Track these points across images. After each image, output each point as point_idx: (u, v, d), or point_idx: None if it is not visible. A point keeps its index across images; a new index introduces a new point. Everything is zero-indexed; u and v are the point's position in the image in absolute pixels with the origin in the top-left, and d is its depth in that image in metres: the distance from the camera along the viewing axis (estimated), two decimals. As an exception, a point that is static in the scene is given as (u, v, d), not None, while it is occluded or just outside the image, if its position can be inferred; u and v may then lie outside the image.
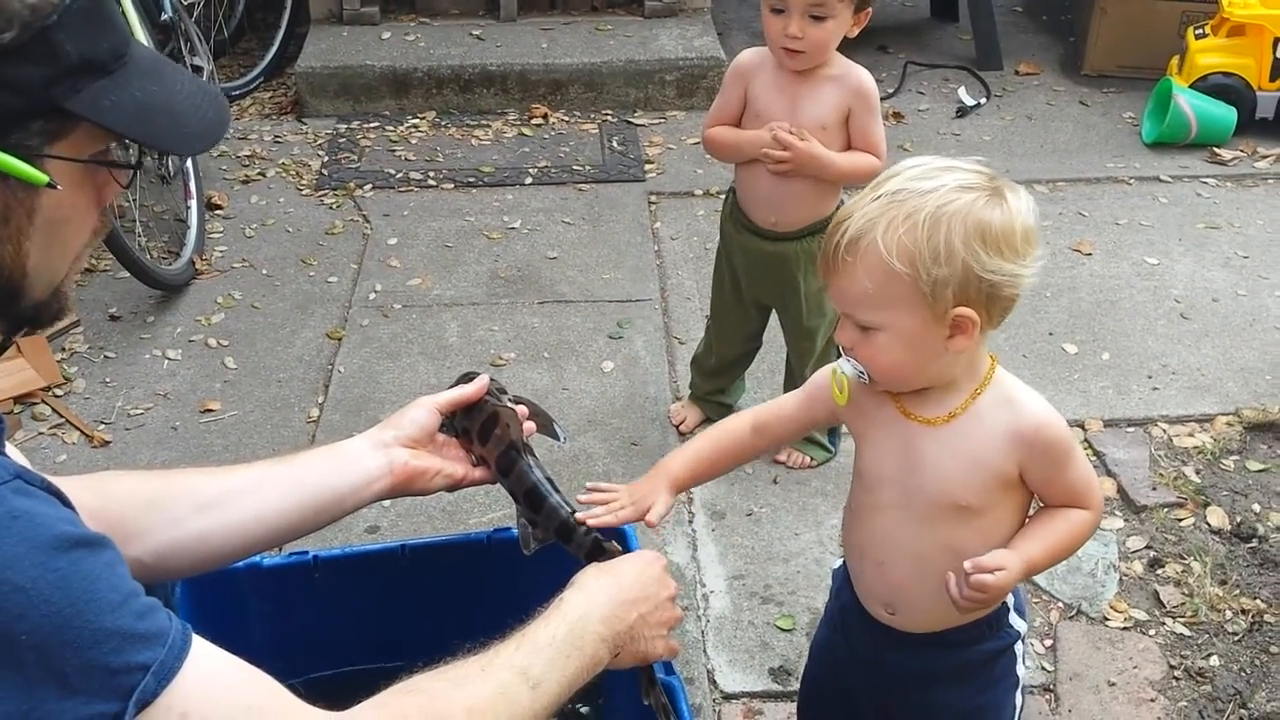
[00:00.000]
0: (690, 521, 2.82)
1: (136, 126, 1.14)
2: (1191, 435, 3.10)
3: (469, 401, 1.68)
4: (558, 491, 1.64)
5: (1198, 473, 2.97)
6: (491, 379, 1.72)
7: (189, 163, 3.84)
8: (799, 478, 2.96)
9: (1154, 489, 2.91)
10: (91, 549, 1.00)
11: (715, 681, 2.43)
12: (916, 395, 1.57)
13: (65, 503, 1.04)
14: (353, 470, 1.56)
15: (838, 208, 2.74)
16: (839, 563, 1.86)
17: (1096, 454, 3.00)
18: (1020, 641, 1.72)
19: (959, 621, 1.65)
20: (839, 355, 2.85)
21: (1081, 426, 3.07)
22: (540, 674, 1.28)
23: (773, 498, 2.91)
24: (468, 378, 1.73)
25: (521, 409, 1.72)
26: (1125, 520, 2.83)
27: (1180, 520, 2.83)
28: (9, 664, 0.94)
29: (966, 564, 1.50)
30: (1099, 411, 3.15)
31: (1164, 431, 3.12)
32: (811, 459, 2.98)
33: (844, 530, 1.78)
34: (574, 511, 1.63)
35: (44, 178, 1.07)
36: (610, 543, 1.62)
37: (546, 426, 1.75)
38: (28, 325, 1.16)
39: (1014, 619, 1.71)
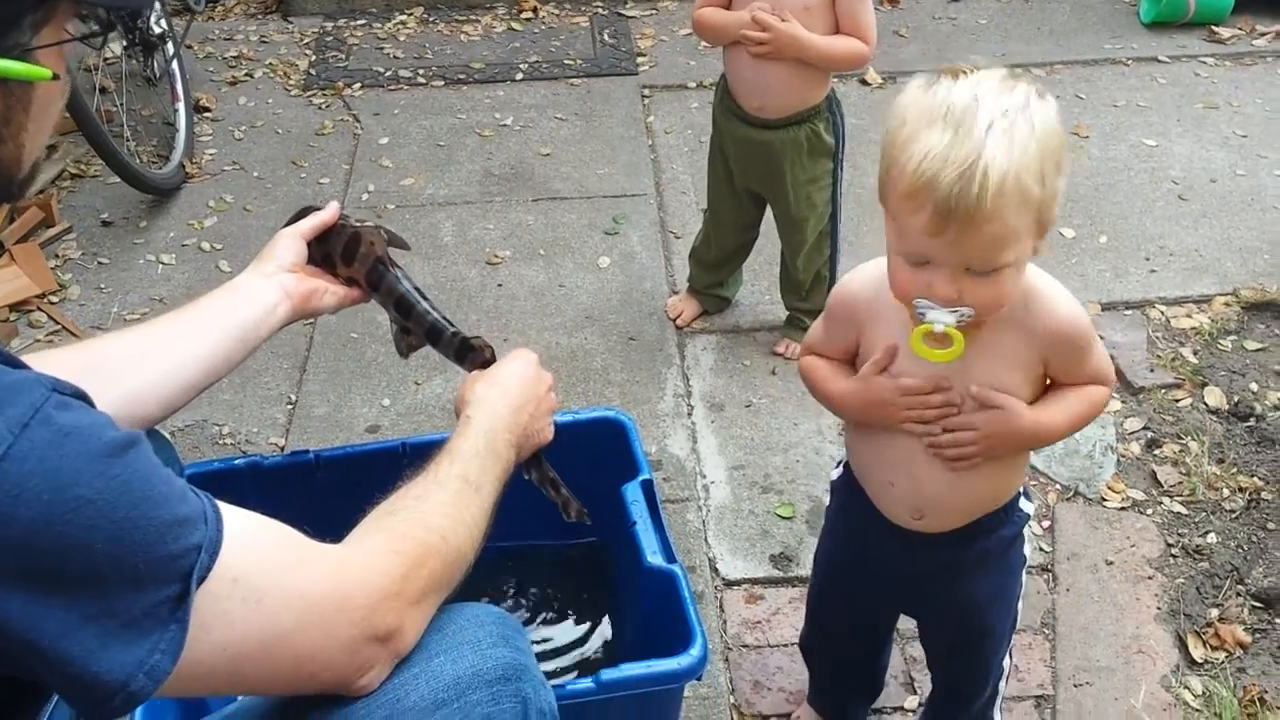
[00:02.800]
0: (690, 414, 2.83)
1: None
2: (1189, 316, 3.10)
3: (328, 225, 1.73)
4: (426, 299, 1.73)
5: (1195, 353, 2.98)
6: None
7: (174, 64, 3.80)
8: (797, 368, 2.96)
9: (1151, 370, 2.92)
10: (136, 447, 1.03)
11: (717, 569, 2.46)
12: None
13: (91, 404, 1.06)
14: (254, 302, 1.63)
15: (828, 96, 2.71)
16: (837, 474, 1.85)
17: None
18: (1028, 523, 1.76)
19: (986, 511, 1.67)
20: (832, 249, 2.88)
21: (1079, 310, 3.07)
22: (478, 479, 1.42)
23: (771, 389, 2.91)
24: (309, 210, 1.76)
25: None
26: (1123, 402, 2.84)
27: (1178, 401, 2.84)
28: (87, 574, 0.98)
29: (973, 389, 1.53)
30: (1096, 295, 3.15)
31: (1161, 313, 3.12)
32: (809, 349, 2.98)
33: (861, 449, 1.74)
34: (442, 316, 1.73)
35: (48, 72, 1.08)
36: (476, 338, 1.71)
37: (395, 239, 1.80)
38: (7, 201, 1.19)
39: (1023, 503, 1.73)
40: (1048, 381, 1.61)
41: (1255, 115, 3.98)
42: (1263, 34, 4.41)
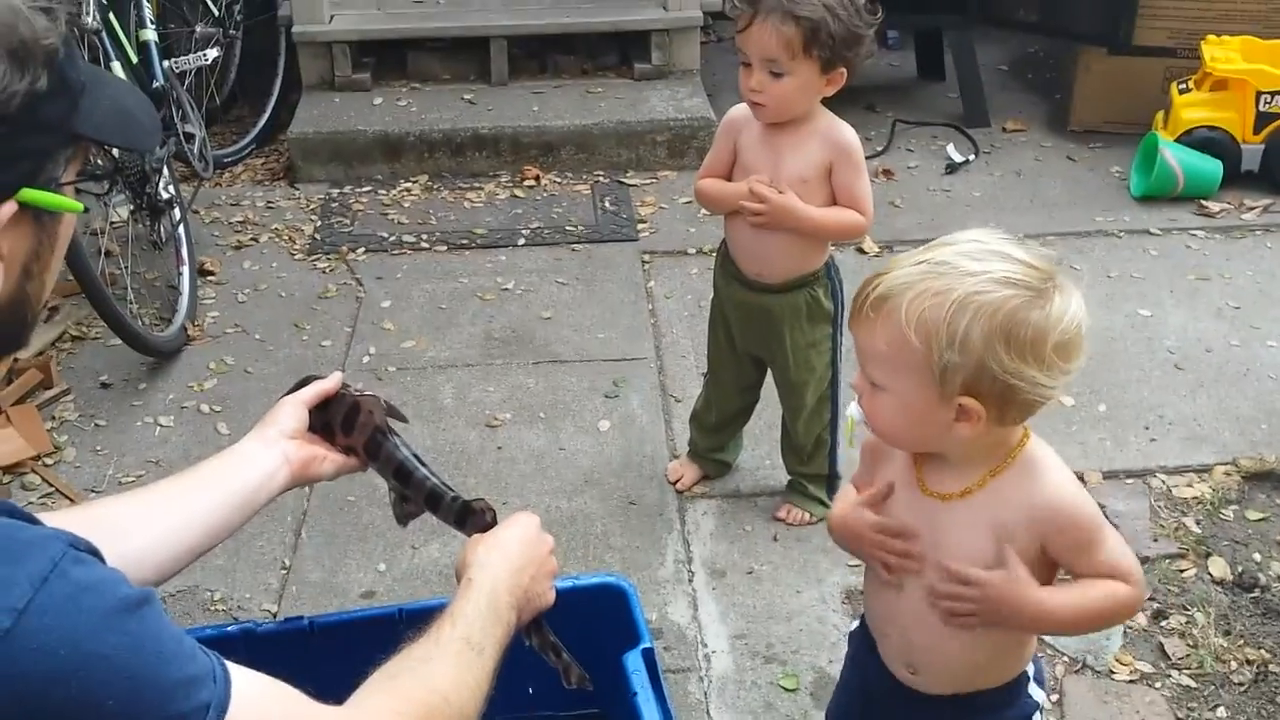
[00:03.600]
0: (690, 580, 2.80)
1: (119, 134, 1.21)
2: (1190, 485, 3.09)
3: (330, 394, 1.75)
4: (425, 465, 1.73)
5: (1198, 523, 2.96)
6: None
7: (181, 229, 3.85)
8: (799, 534, 2.94)
9: (1155, 540, 2.89)
10: (148, 604, 1.05)
11: (718, 743, 2.40)
12: (934, 465, 1.55)
13: (103, 560, 1.07)
14: (254, 468, 1.63)
15: (826, 262, 2.75)
16: (855, 625, 1.84)
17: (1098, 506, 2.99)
18: (1039, 713, 1.70)
19: (982, 684, 1.64)
20: (832, 414, 2.89)
21: (1081, 479, 3.04)
22: (480, 641, 1.42)
23: (773, 555, 2.88)
24: (311, 379, 1.77)
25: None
26: (1127, 572, 2.81)
27: (1182, 571, 2.81)
28: None
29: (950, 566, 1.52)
30: (1097, 464, 3.14)
31: (1163, 482, 3.10)
32: (811, 515, 2.96)
33: (869, 593, 1.75)
34: (441, 481, 1.72)
35: (80, 205, 1.13)
36: (478, 500, 1.69)
37: (394, 411, 1.81)
38: (18, 349, 1.22)
39: (1033, 689, 1.69)
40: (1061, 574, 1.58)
41: (1246, 287, 4.02)
42: (1251, 208, 4.49)
